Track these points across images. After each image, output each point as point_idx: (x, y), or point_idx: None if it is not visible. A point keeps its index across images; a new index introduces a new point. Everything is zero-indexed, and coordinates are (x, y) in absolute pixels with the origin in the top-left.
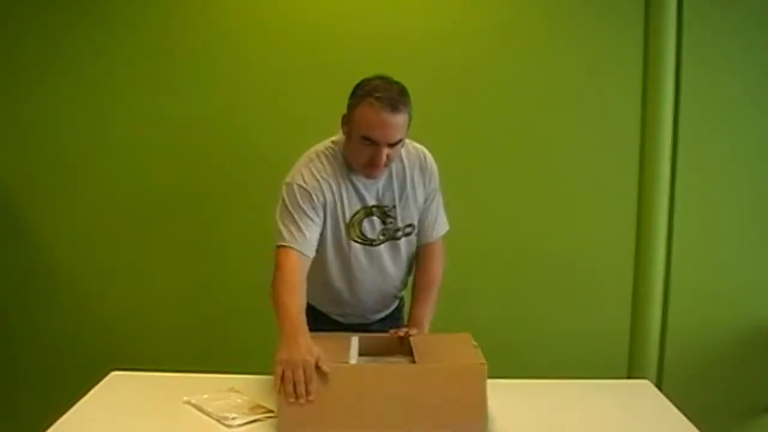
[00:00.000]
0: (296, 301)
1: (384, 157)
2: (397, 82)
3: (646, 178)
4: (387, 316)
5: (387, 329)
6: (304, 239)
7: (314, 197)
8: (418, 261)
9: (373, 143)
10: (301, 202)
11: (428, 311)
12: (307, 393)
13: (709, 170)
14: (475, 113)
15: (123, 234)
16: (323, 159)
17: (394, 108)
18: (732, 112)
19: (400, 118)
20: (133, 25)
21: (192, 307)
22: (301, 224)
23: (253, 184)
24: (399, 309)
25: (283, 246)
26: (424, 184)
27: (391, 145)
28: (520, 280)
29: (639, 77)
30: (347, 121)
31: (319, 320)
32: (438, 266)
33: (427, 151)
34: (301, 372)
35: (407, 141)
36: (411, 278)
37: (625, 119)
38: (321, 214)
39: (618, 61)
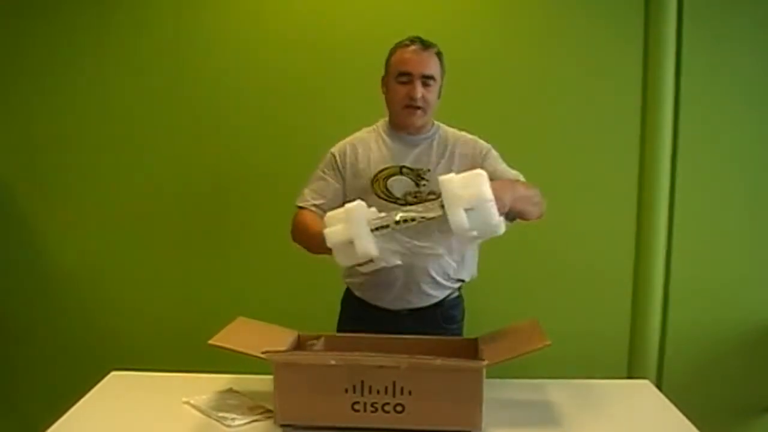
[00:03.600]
0: (316, 222)
1: (419, 92)
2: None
3: (646, 178)
4: (428, 309)
5: (425, 330)
6: (318, 197)
7: (337, 159)
8: None
9: (408, 78)
10: (324, 167)
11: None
12: None
13: (709, 171)
14: (474, 115)
15: (123, 234)
16: (364, 130)
17: (425, 45)
18: (732, 114)
19: (432, 54)
20: (137, 27)
21: (192, 306)
22: (318, 185)
23: (255, 185)
24: (446, 308)
25: (299, 207)
26: (474, 158)
27: (426, 83)
28: (519, 280)
29: (639, 78)
30: (386, 80)
31: (353, 304)
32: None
33: (479, 138)
34: None
35: (460, 132)
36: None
37: (625, 120)
38: (341, 176)
39: (618, 63)
